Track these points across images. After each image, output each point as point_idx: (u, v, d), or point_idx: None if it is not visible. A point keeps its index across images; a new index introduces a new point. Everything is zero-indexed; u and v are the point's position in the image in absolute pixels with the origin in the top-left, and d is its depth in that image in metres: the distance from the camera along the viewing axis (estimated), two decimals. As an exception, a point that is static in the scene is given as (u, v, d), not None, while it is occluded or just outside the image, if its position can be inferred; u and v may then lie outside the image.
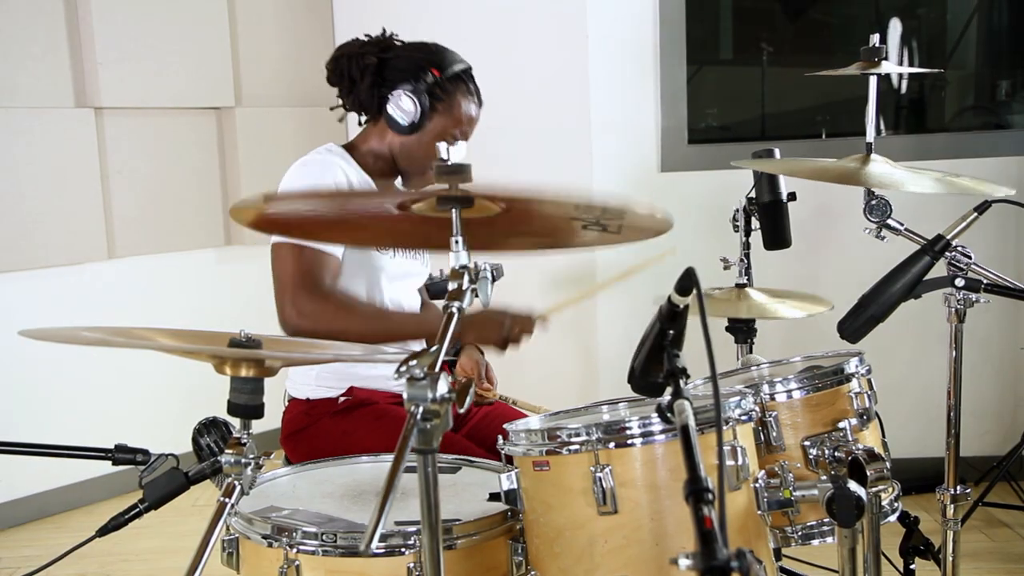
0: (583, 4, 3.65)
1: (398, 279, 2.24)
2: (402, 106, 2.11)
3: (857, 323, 1.95)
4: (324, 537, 1.49)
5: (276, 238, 2.04)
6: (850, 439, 1.69)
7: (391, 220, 1.45)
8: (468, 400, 1.20)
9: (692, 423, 1.14)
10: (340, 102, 2.24)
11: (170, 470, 1.50)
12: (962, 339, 2.04)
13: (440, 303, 2.37)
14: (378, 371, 2.19)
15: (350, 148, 2.23)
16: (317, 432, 2.17)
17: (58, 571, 1.88)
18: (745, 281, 2.54)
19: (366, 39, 2.19)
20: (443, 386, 1.13)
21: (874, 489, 1.59)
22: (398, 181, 2.34)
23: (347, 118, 2.32)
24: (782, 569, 2.22)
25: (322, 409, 2.18)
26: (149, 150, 3.85)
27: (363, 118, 2.26)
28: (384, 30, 2.21)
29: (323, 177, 2.10)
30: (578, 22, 3.67)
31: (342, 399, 2.18)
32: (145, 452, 1.55)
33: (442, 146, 1.32)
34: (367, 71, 2.13)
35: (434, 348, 1.17)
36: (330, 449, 2.01)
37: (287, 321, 2.01)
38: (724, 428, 1.49)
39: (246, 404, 1.44)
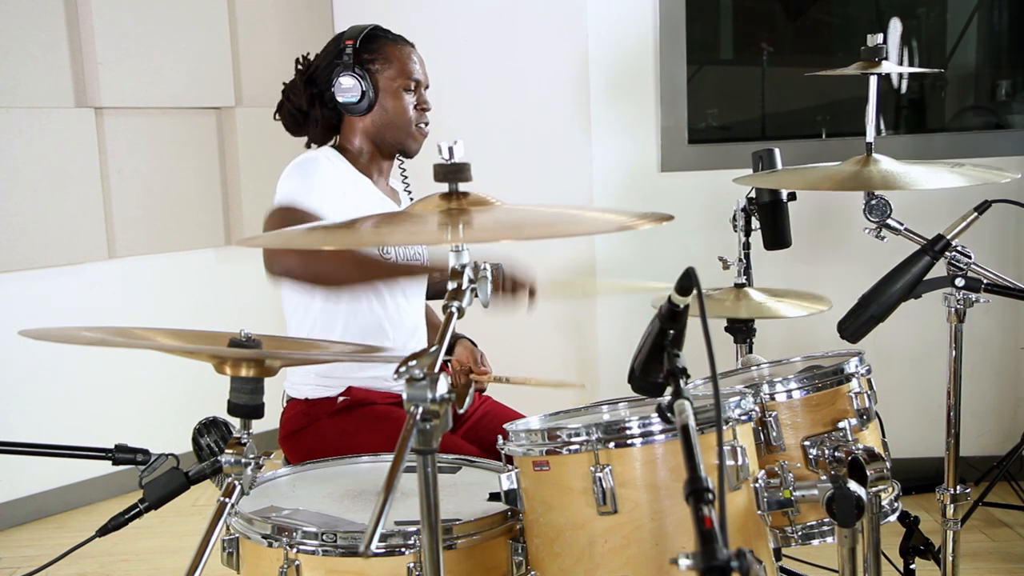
0: (583, 4, 3.65)
1: None
2: (346, 87, 2.17)
3: (857, 323, 1.95)
4: (324, 537, 1.49)
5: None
6: (850, 439, 1.69)
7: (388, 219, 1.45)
8: (468, 401, 1.20)
9: (692, 423, 1.14)
10: (309, 142, 2.30)
11: (170, 470, 1.50)
12: (962, 339, 2.04)
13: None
14: (377, 371, 2.20)
15: (340, 150, 2.26)
16: (316, 432, 2.17)
17: (58, 571, 1.89)
18: (744, 281, 2.53)
19: (285, 82, 2.27)
20: (443, 386, 1.13)
21: (874, 489, 1.59)
22: (396, 174, 2.35)
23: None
24: (782, 569, 2.22)
25: (321, 409, 2.18)
26: (149, 150, 3.86)
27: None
28: (297, 60, 2.26)
29: (309, 175, 2.12)
30: (578, 22, 3.66)
31: (341, 399, 2.18)
32: (145, 452, 1.55)
33: (443, 144, 1.32)
34: (304, 92, 2.21)
35: (433, 348, 1.17)
36: (329, 449, 2.01)
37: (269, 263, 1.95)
38: (724, 428, 1.49)
39: (246, 404, 1.44)
